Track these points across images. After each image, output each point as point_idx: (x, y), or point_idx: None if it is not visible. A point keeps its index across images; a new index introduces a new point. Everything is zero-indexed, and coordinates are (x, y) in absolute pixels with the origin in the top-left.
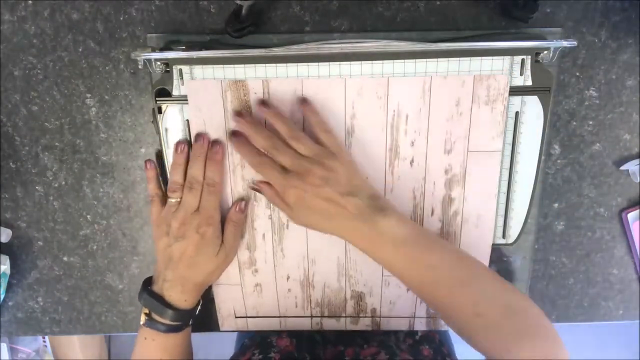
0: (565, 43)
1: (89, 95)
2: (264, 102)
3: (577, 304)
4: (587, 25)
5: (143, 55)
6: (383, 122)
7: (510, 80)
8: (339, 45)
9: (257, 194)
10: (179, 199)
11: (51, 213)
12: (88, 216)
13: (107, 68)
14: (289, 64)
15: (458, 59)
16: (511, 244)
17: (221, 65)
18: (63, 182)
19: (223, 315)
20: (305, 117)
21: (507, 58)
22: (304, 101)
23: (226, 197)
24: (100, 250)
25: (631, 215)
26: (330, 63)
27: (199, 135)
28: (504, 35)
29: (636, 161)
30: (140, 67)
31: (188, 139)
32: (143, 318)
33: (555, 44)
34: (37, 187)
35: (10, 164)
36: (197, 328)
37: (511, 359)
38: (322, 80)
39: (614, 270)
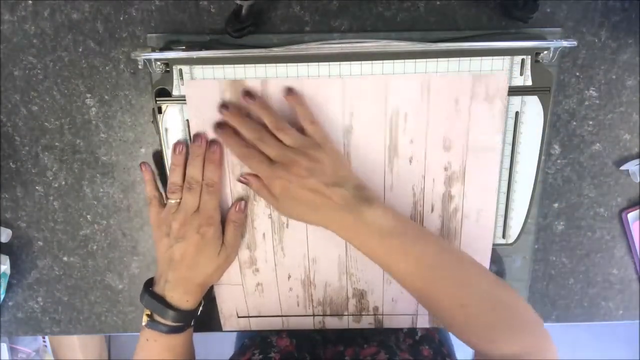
0: (565, 43)
1: (89, 95)
2: (249, 93)
3: (577, 304)
4: (587, 25)
5: (143, 55)
6: (382, 121)
7: (510, 80)
8: (339, 45)
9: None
10: (178, 200)
11: (51, 213)
12: (88, 216)
13: (107, 68)
14: (289, 64)
15: (458, 59)
16: (511, 244)
17: (221, 65)
18: (63, 182)
19: (225, 315)
20: (291, 108)
21: (507, 58)
22: (289, 91)
23: (226, 197)
24: (100, 250)
25: (631, 215)
26: (330, 63)
27: (197, 136)
28: (504, 35)
29: (636, 161)
30: (140, 67)
31: (187, 139)
32: (145, 319)
33: (555, 44)
34: (37, 187)
35: (10, 164)
36: (199, 328)
37: (497, 351)
38: (321, 79)
39: (614, 270)
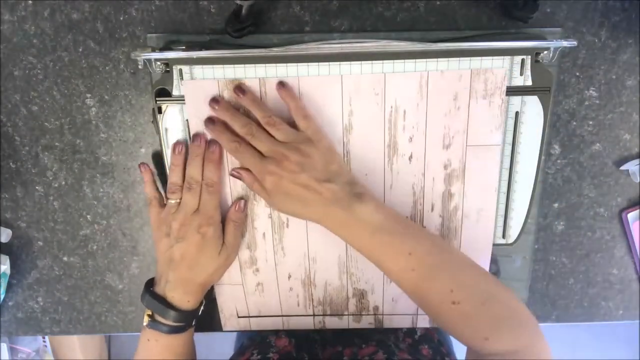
0: (565, 43)
1: (89, 95)
2: (239, 88)
3: (577, 304)
4: (587, 25)
5: (143, 55)
6: (381, 119)
7: (510, 80)
8: (339, 45)
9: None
10: (178, 200)
11: (51, 213)
12: (88, 216)
13: (107, 68)
14: (288, 64)
15: (458, 58)
16: (511, 244)
17: (221, 65)
18: (63, 182)
19: (225, 315)
20: (284, 102)
21: (507, 58)
22: (282, 85)
23: (225, 197)
24: (100, 250)
25: (631, 215)
26: (330, 63)
27: (196, 136)
28: (504, 35)
29: (636, 161)
30: (140, 67)
31: (187, 139)
32: (146, 319)
33: (555, 44)
34: (37, 187)
35: (10, 164)
36: (200, 328)
37: (490, 349)
38: (319, 78)
39: (614, 270)
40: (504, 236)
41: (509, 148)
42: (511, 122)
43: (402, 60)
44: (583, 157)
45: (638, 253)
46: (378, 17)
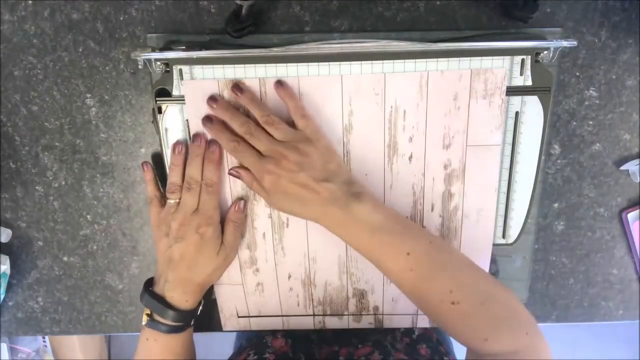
0: (565, 43)
1: (89, 95)
2: (237, 87)
3: (577, 304)
4: (587, 25)
5: (143, 55)
6: (381, 119)
7: (510, 80)
8: (339, 45)
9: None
10: (177, 200)
11: (51, 213)
12: (88, 216)
13: (107, 68)
14: (288, 64)
15: (458, 59)
16: (511, 244)
17: (221, 65)
18: (63, 182)
19: (225, 315)
20: (282, 101)
21: (507, 58)
22: (280, 84)
23: (225, 197)
24: (100, 250)
25: (631, 215)
26: (330, 63)
27: (196, 136)
28: (504, 35)
29: (636, 161)
30: (140, 67)
31: (187, 139)
32: (145, 319)
33: (555, 44)
34: (37, 187)
35: (10, 164)
36: (200, 328)
37: (489, 349)
38: (319, 78)
39: (614, 270)
40: (504, 236)
41: (509, 148)
42: (511, 122)
43: (402, 60)
44: (583, 157)
45: (638, 253)
46: (378, 17)
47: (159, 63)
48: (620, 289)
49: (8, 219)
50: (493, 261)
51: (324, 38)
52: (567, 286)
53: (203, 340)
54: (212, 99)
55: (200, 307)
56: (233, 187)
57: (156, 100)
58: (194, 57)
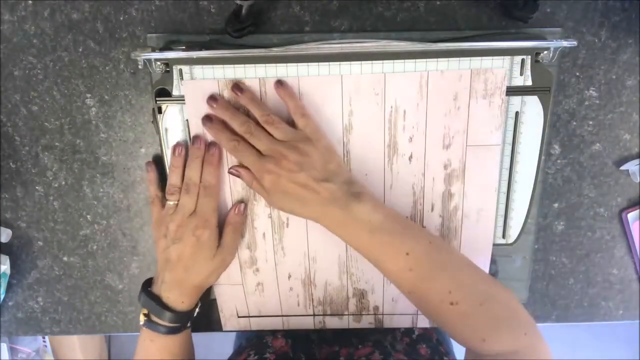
0: (565, 43)
1: (89, 95)
2: (237, 86)
3: (577, 304)
4: (587, 25)
5: (143, 55)
6: (381, 119)
7: (510, 80)
8: (339, 45)
9: (257, 194)
10: (176, 202)
11: (51, 213)
12: (88, 216)
13: (107, 68)
14: (288, 64)
15: (458, 59)
16: (511, 244)
17: (221, 65)
18: (63, 182)
19: (225, 315)
20: (282, 101)
21: (507, 58)
22: (279, 84)
23: (225, 198)
24: (100, 250)
25: (631, 215)
26: (330, 63)
27: (196, 138)
28: (504, 35)
29: (636, 161)
30: (140, 67)
31: (187, 139)
32: (142, 318)
33: (555, 44)
34: (37, 187)
35: (10, 164)
36: (200, 328)
37: (488, 349)
38: (319, 78)
39: (614, 270)
40: (504, 236)
41: (509, 148)
42: (511, 122)
43: (402, 60)
44: (583, 157)
45: (638, 253)
46: (378, 17)
47: (159, 63)
48: (620, 289)
49: (8, 219)
50: (493, 261)
51: (324, 38)
52: (567, 286)
53: (203, 340)
54: (212, 99)
55: (197, 309)
56: (233, 188)
57: (156, 100)
58: (194, 57)
